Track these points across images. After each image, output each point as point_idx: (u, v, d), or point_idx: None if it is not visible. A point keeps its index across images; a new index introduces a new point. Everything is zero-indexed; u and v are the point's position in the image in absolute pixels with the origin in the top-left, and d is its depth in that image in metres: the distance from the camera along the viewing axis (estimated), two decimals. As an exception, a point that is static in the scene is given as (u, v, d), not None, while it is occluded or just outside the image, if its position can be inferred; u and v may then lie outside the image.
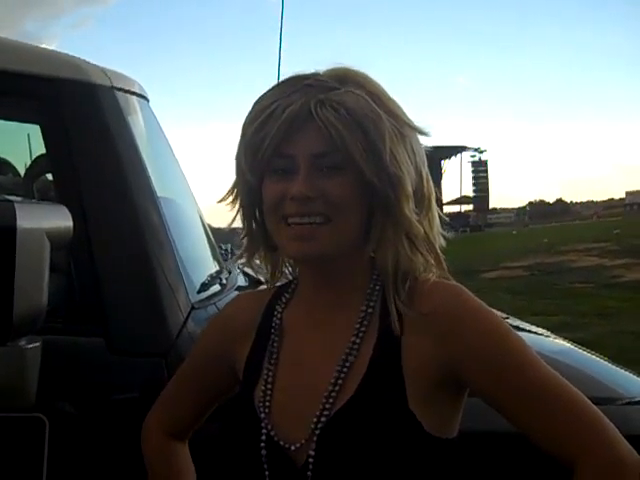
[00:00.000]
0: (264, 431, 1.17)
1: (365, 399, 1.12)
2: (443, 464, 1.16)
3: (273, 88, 1.19)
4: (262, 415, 1.19)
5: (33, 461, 1.73)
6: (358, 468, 1.10)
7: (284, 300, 1.30)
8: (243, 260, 1.36)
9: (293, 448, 1.14)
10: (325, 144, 1.13)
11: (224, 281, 2.30)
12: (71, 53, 2.07)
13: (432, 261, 1.21)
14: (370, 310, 1.19)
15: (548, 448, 1.12)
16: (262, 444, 1.17)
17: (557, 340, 2.61)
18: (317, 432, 1.13)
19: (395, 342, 1.15)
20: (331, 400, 1.14)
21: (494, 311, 1.19)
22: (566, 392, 1.11)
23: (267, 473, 1.17)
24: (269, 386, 1.22)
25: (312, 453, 1.12)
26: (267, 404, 1.20)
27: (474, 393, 1.17)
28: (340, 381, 1.15)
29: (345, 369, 1.16)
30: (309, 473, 1.13)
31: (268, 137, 1.14)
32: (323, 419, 1.13)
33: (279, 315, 1.28)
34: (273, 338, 1.26)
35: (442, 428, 1.15)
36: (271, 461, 1.16)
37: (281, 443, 1.16)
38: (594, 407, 1.11)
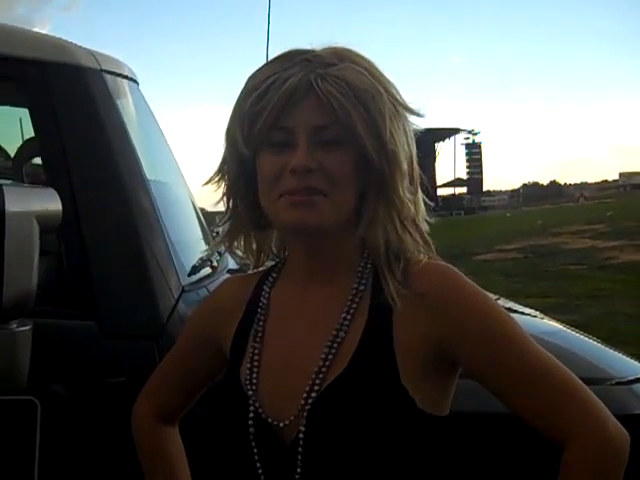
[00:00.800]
0: (252, 409, 1.17)
1: (357, 374, 1.12)
2: (435, 441, 1.16)
3: (270, 62, 1.18)
4: (249, 392, 1.18)
5: (25, 444, 1.73)
6: (350, 443, 1.09)
7: (271, 280, 1.29)
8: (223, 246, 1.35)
9: (282, 425, 1.14)
10: (326, 117, 1.12)
11: (215, 264, 2.30)
12: (64, 36, 2.06)
13: (420, 241, 1.20)
14: (362, 287, 1.19)
15: (538, 427, 1.12)
16: (250, 422, 1.16)
17: (549, 321, 2.62)
18: (307, 407, 1.12)
19: (387, 319, 1.15)
20: (321, 375, 1.13)
21: (485, 292, 1.18)
22: (557, 371, 1.12)
23: (256, 451, 1.16)
24: (255, 363, 1.21)
25: (302, 429, 1.12)
26: (254, 381, 1.19)
27: (467, 372, 1.17)
28: (330, 356, 1.14)
29: (336, 344, 1.15)
30: (300, 449, 1.12)
31: (267, 108, 1.12)
32: (313, 394, 1.12)
33: (266, 294, 1.28)
34: (259, 316, 1.26)
35: (435, 405, 1.14)
36: (259, 439, 1.16)
37: (269, 420, 1.15)
38: (584, 386, 1.12)
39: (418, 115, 1.21)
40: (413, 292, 1.15)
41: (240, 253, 1.31)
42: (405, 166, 1.15)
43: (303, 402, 1.12)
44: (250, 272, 1.35)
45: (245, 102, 1.15)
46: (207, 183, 1.27)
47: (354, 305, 1.18)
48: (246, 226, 1.26)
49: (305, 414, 1.12)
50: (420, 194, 1.23)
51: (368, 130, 1.12)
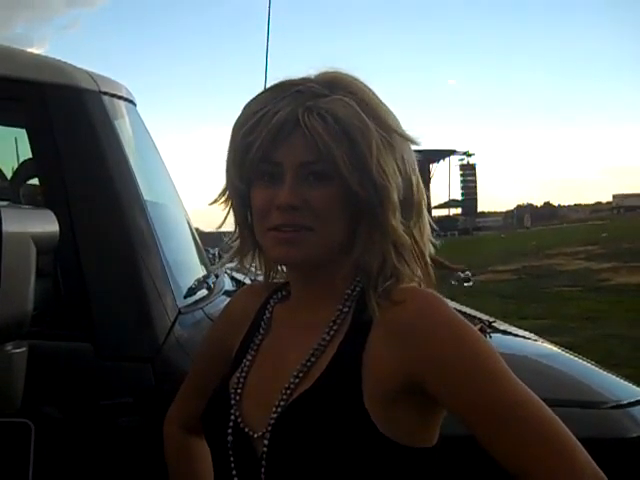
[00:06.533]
0: (232, 417, 1.19)
1: (320, 392, 1.12)
2: (407, 472, 1.14)
3: (263, 93, 1.19)
4: (232, 402, 1.21)
5: (19, 467, 1.72)
6: (309, 460, 1.09)
7: (279, 295, 1.33)
8: (231, 264, 1.37)
9: (256, 436, 1.15)
10: (312, 152, 1.13)
11: (211, 285, 2.30)
12: (63, 55, 2.07)
13: (419, 272, 1.21)
14: (346, 310, 1.20)
15: (507, 465, 1.08)
16: (229, 430, 1.19)
17: (544, 344, 2.61)
18: (272, 422, 1.14)
19: (360, 342, 1.15)
20: (289, 391, 1.15)
21: (467, 322, 1.15)
22: (533, 409, 1.08)
23: (232, 459, 1.18)
24: (244, 374, 1.24)
25: (266, 442, 1.13)
26: (239, 391, 1.22)
27: (441, 404, 1.14)
28: (301, 374, 1.16)
29: (309, 363, 1.17)
30: (263, 462, 1.13)
31: (256, 143, 1.14)
32: (279, 409, 1.14)
33: (270, 309, 1.31)
34: (260, 330, 1.29)
35: (409, 435, 1.12)
36: (236, 448, 1.18)
37: (246, 430, 1.17)
38: (565, 429, 1.07)
39: (414, 143, 1.22)
40: (390, 313, 1.14)
41: (252, 269, 1.33)
42: (396, 197, 1.15)
43: (272, 416, 1.14)
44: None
45: (238, 134, 1.18)
46: (213, 203, 1.29)
47: (335, 327, 1.19)
48: (252, 246, 1.28)
49: (270, 428, 1.14)
50: (426, 216, 1.24)
51: (352, 166, 1.12)
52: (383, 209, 1.15)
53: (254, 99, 1.19)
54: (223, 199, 1.27)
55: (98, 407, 1.77)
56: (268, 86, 1.21)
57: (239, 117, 1.19)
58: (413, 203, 1.21)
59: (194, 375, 1.46)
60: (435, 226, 1.27)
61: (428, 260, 1.23)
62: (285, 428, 1.12)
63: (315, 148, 1.12)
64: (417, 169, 1.22)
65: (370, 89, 1.20)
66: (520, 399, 1.08)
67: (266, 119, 1.13)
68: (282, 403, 1.14)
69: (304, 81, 1.18)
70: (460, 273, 7.52)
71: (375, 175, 1.13)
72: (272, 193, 1.16)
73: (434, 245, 1.26)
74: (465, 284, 7.45)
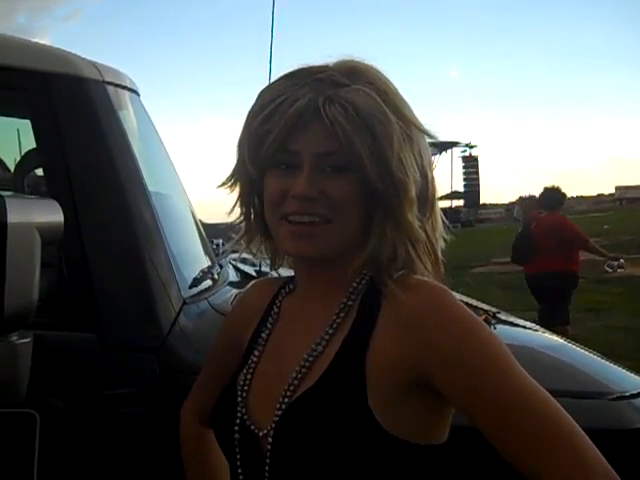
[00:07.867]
0: (239, 414, 1.18)
1: (323, 389, 1.10)
2: (417, 470, 1.12)
3: (281, 79, 1.16)
4: (239, 399, 1.20)
5: (24, 457, 1.72)
6: (312, 458, 1.08)
7: (287, 289, 1.31)
8: (235, 254, 1.37)
9: (261, 434, 1.14)
10: (331, 143, 1.10)
11: (216, 276, 2.30)
12: (63, 46, 2.06)
13: (429, 268, 1.19)
14: (350, 303, 1.18)
15: (517, 465, 1.05)
16: (236, 427, 1.18)
17: (548, 335, 2.61)
18: (275, 419, 1.12)
19: (365, 338, 1.12)
20: (292, 388, 1.13)
21: (476, 317, 1.13)
22: (545, 408, 1.05)
23: (239, 457, 1.18)
24: (250, 371, 1.23)
25: (270, 440, 1.12)
26: (245, 388, 1.21)
27: (449, 401, 1.12)
28: (304, 370, 1.14)
29: (311, 358, 1.15)
30: (267, 460, 1.12)
31: (274, 131, 1.11)
32: (283, 407, 1.13)
33: (279, 303, 1.29)
34: (268, 324, 1.27)
35: (416, 432, 1.10)
36: (242, 445, 1.17)
37: (252, 428, 1.16)
38: (576, 427, 1.05)
39: (432, 137, 1.20)
40: (397, 306, 1.12)
41: (259, 254, 1.32)
42: (413, 192, 1.13)
43: (276, 413, 1.13)
44: (276, 276, 1.37)
45: (254, 121, 1.15)
46: (220, 186, 1.26)
47: (338, 320, 1.17)
48: (260, 232, 1.26)
49: (273, 426, 1.12)
50: (438, 211, 1.22)
51: (373, 158, 1.09)
52: (400, 203, 1.12)
53: (270, 86, 1.16)
54: (230, 183, 1.24)
55: (103, 397, 1.77)
56: (286, 73, 1.17)
57: (254, 104, 1.16)
58: (427, 198, 1.18)
59: (209, 368, 1.44)
60: (447, 221, 1.25)
61: (439, 255, 1.21)
62: (288, 426, 1.11)
63: (335, 138, 1.09)
64: (432, 163, 1.19)
65: (388, 80, 1.17)
66: (528, 392, 1.06)
67: (284, 107, 1.10)
68: (286, 400, 1.13)
69: (323, 69, 1.14)
70: (614, 262, 7.94)
71: (394, 169, 1.10)
72: (288, 182, 1.13)
73: (445, 240, 1.23)
74: (619, 270, 7.93)
